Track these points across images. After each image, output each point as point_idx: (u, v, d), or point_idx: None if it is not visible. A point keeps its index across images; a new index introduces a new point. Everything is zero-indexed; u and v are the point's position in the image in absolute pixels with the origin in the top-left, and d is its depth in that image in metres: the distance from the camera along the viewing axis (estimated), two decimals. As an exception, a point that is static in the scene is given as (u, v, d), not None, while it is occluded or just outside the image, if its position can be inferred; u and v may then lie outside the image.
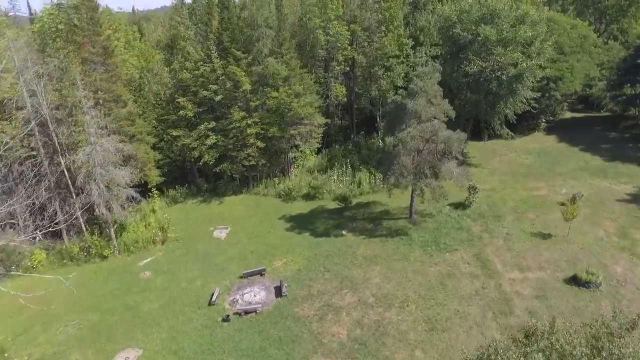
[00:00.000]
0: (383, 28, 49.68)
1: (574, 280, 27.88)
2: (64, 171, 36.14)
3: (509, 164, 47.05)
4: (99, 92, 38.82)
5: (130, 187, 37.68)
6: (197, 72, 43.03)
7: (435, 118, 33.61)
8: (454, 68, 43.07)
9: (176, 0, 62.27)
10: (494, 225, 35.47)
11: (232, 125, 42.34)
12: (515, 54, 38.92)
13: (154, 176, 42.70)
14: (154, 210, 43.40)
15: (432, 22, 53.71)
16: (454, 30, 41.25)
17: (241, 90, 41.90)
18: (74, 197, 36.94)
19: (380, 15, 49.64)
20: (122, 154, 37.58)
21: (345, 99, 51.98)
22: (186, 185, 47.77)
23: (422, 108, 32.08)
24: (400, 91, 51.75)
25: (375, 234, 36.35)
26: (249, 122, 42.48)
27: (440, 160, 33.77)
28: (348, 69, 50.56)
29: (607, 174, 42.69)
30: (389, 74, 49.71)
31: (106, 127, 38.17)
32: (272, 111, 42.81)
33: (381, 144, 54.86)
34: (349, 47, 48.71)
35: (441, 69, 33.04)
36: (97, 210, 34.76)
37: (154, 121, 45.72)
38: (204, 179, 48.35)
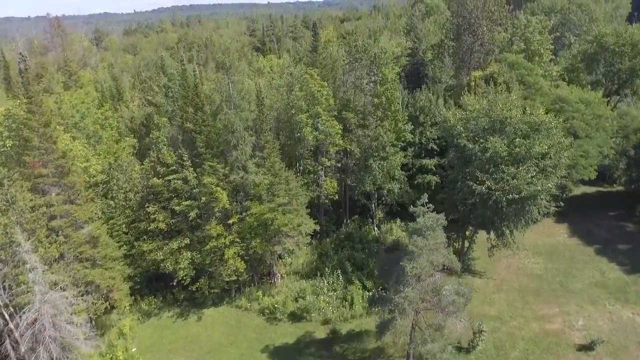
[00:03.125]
0: (379, 113, 44.91)
1: None
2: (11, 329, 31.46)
3: (517, 272, 42.57)
4: (55, 217, 34.21)
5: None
6: (168, 178, 38.33)
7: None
8: (458, 176, 38.45)
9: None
10: (503, 384, 31.14)
11: (208, 245, 37.68)
12: (529, 175, 34.28)
13: (123, 296, 38.11)
14: (123, 333, 39.00)
15: (434, 101, 49.09)
16: (458, 140, 36.47)
17: (219, 206, 37.22)
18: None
19: (376, 100, 44.83)
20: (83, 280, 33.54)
21: (337, 196, 47.28)
22: (161, 296, 43.14)
23: (424, 269, 27.55)
24: (398, 175, 47.40)
25: (368, 389, 32.03)
26: (227, 241, 37.84)
27: (442, 317, 29.37)
28: (340, 164, 45.78)
29: (628, 296, 38.27)
30: (384, 164, 45.03)
31: (62, 258, 33.79)
32: (254, 226, 38.16)
33: (376, 231, 50.57)
34: (342, 140, 43.86)
35: (445, 223, 28.33)
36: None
37: (123, 226, 41.08)
38: (181, 286, 43.69)
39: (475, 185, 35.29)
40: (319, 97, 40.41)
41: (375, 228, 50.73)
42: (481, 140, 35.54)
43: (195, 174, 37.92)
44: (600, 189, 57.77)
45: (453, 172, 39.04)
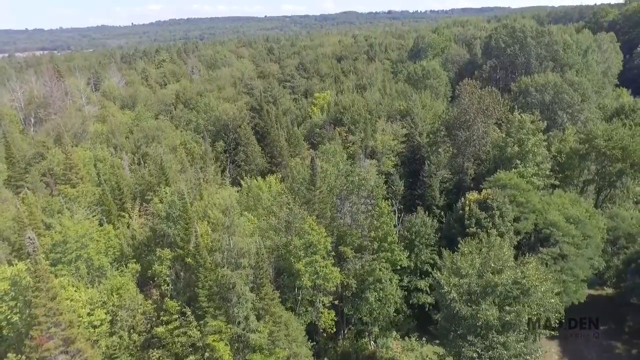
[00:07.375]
0: (375, 246, 46.29)
1: None
2: None
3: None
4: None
5: None
6: (171, 327, 39.59)
7: None
8: (450, 328, 39.77)
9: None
10: None
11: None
12: (520, 344, 35.80)
13: None
14: None
15: (429, 224, 50.51)
16: (452, 304, 37.77)
17: (220, 362, 38.49)
18: None
19: (372, 233, 46.17)
20: None
21: (334, 328, 48.53)
22: None
23: None
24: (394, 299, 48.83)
25: None
26: (230, 392, 39.13)
27: None
28: (337, 301, 47.15)
29: None
30: (381, 294, 46.37)
31: None
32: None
33: (372, 346, 51.97)
34: (339, 276, 45.13)
35: None
36: None
37: (129, 366, 42.33)
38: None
39: (465, 348, 36.65)
40: (317, 244, 41.63)
41: (372, 342, 52.11)
42: (474, 306, 36.89)
43: (197, 325, 39.17)
44: (591, 291, 59.08)
45: (445, 322, 40.33)
